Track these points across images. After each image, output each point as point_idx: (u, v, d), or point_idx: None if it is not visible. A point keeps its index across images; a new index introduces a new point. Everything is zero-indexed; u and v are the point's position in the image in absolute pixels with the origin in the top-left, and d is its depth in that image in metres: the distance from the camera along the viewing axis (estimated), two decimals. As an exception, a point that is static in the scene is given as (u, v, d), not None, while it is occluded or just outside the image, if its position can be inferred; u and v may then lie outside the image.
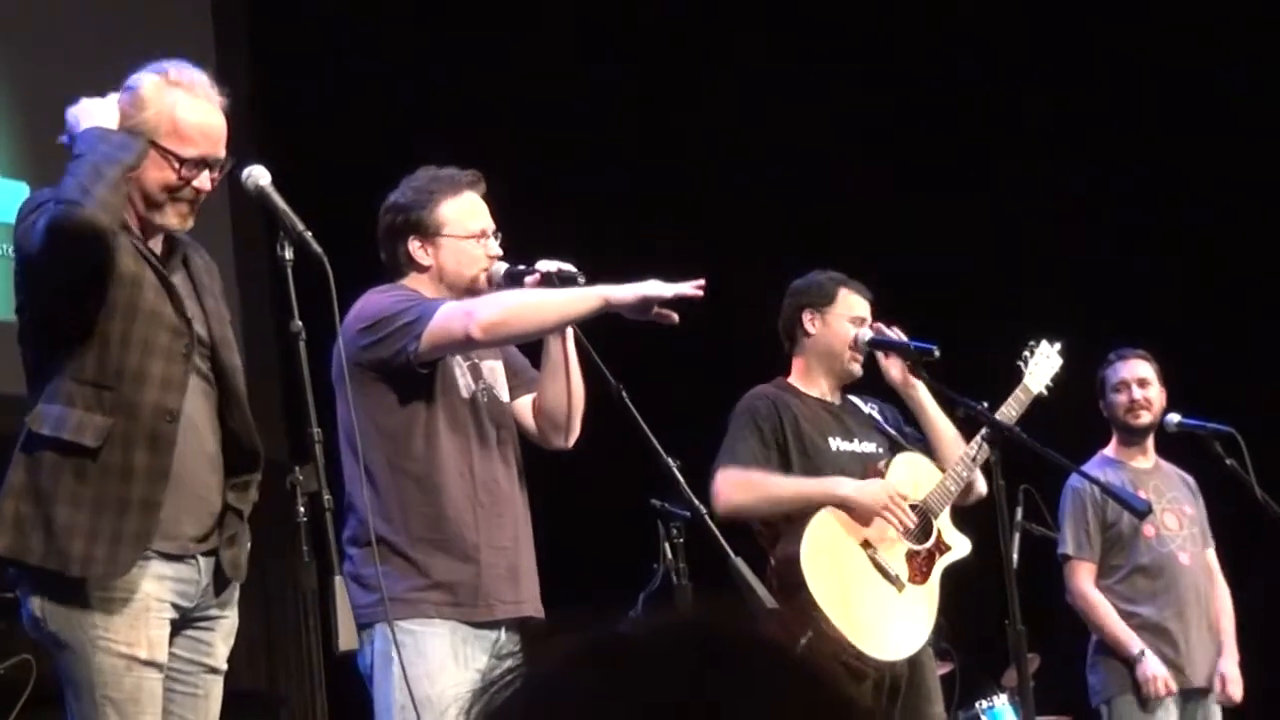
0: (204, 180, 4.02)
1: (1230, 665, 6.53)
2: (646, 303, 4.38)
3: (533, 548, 4.64)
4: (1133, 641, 6.35)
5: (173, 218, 4.03)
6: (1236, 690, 6.49)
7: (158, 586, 3.92)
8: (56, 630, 3.88)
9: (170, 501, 3.92)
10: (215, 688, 4.08)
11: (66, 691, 3.92)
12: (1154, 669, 6.31)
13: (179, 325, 3.97)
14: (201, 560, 4.02)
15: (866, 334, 5.59)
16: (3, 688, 6.04)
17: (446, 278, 4.65)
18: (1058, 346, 5.98)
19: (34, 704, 6.02)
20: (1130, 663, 6.35)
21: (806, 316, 5.62)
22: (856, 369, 5.60)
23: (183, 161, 4.00)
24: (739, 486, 5.36)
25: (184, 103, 4.03)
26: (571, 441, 4.72)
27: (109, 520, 3.86)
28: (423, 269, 4.65)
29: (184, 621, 4.00)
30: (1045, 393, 5.87)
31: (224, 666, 4.10)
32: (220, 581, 4.06)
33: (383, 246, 4.72)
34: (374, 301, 4.56)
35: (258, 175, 4.11)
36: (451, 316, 4.40)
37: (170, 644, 3.97)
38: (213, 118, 4.06)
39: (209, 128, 4.05)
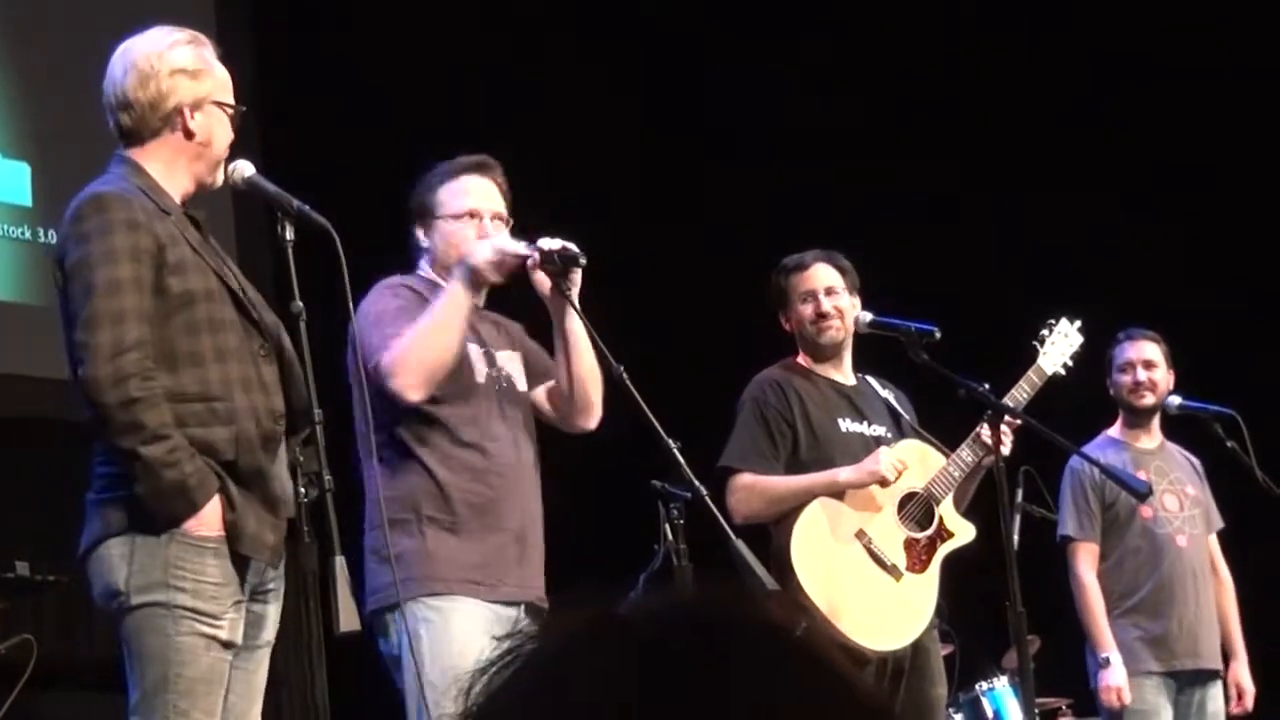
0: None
1: (1243, 673, 6.53)
2: (501, 258, 4.45)
3: (541, 534, 4.67)
4: (1104, 644, 6.33)
5: (220, 175, 4.10)
6: (1249, 700, 6.49)
7: (243, 569, 3.94)
8: (139, 603, 3.85)
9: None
10: (264, 662, 4.09)
11: (130, 665, 3.90)
12: (1113, 680, 6.29)
13: (251, 328, 4.00)
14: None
15: (866, 316, 5.59)
16: (3, 668, 6.04)
17: (439, 259, 4.72)
18: (1077, 324, 5.95)
19: (34, 684, 6.02)
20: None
21: (781, 318, 5.68)
22: (828, 336, 5.59)
23: (237, 112, 4.09)
24: (749, 496, 5.42)
25: (215, 58, 4.11)
26: (594, 422, 4.77)
27: (252, 518, 3.89)
28: (424, 252, 4.75)
29: (248, 596, 4.00)
30: (1063, 372, 5.85)
31: (272, 639, 4.10)
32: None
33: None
34: (376, 297, 4.62)
35: (242, 168, 4.13)
36: (385, 373, 4.45)
37: None
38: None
39: (228, 76, 4.14)
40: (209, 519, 3.85)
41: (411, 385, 4.44)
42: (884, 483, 5.40)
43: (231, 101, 4.08)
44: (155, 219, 3.93)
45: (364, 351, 4.49)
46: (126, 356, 3.81)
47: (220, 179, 4.09)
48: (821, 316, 5.58)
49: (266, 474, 3.93)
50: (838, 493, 5.42)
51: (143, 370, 3.82)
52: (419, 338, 4.47)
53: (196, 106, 4.02)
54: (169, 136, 4.02)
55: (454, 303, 4.49)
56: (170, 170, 4.02)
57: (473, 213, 4.69)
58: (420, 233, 4.73)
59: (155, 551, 3.84)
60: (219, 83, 4.07)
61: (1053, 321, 5.93)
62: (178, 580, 3.84)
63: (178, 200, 4.03)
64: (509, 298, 4.81)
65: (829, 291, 5.59)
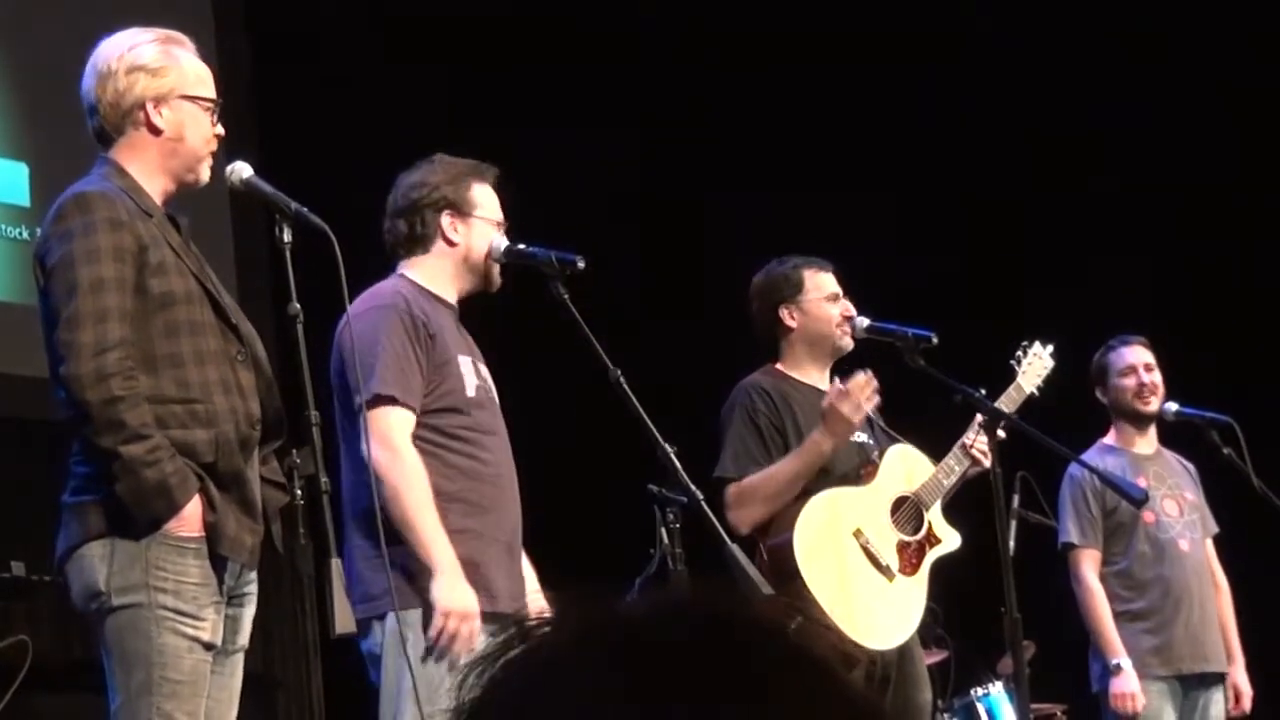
0: (219, 126, 4.08)
1: (1241, 676, 6.53)
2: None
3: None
4: (1114, 650, 6.32)
5: (206, 171, 4.08)
6: (1247, 703, 6.49)
7: (221, 571, 3.94)
8: (120, 604, 3.84)
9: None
10: (239, 666, 4.08)
11: (111, 668, 3.89)
12: (1126, 686, 6.28)
13: (228, 332, 4.00)
14: None
15: (864, 321, 5.59)
16: (-2, 669, 6.03)
17: (471, 258, 4.69)
18: (1050, 348, 5.95)
19: (30, 686, 6.01)
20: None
21: (784, 312, 5.59)
22: (848, 343, 5.59)
23: (215, 105, 4.06)
24: (746, 502, 5.37)
25: (188, 54, 4.09)
26: None
27: (232, 520, 3.89)
28: (451, 244, 4.68)
29: (226, 599, 3.99)
30: (1036, 393, 5.85)
31: (247, 643, 4.09)
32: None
33: (403, 219, 4.71)
34: (369, 321, 4.50)
35: (240, 169, 4.13)
36: (383, 438, 4.38)
37: None
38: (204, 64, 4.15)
39: (210, 73, 4.13)
40: (190, 519, 3.84)
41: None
42: (851, 426, 5.36)
43: (207, 95, 4.05)
44: (137, 219, 3.92)
45: (367, 377, 4.41)
46: (109, 355, 3.81)
47: (204, 175, 4.07)
48: (849, 319, 5.58)
49: (244, 478, 3.92)
50: (836, 493, 5.40)
51: (124, 369, 3.81)
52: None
53: (160, 101, 4.01)
54: (136, 134, 4.02)
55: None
56: (147, 169, 4.01)
57: (502, 221, 4.74)
58: (450, 222, 4.66)
59: (136, 552, 3.84)
60: (188, 78, 4.04)
61: (1026, 344, 5.93)
62: (159, 581, 3.83)
63: (159, 201, 4.03)
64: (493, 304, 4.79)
65: (844, 295, 5.62)
